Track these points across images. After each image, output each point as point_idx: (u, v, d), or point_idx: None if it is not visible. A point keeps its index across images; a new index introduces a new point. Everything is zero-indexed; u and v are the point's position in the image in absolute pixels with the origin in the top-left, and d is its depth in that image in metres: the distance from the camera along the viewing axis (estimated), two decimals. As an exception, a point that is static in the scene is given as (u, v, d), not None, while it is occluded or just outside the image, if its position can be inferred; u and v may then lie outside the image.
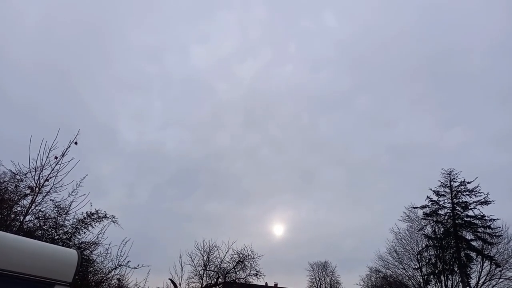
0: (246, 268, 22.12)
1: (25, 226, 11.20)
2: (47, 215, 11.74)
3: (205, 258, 22.91)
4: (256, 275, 22.06)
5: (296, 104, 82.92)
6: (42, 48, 61.49)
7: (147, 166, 64.24)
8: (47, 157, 11.14)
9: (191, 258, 22.61)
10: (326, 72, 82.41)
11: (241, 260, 22.09)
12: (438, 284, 31.12)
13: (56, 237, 11.58)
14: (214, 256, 22.89)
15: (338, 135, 79.38)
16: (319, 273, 58.13)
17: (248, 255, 22.15)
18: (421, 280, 32.37)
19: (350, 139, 78.73)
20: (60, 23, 65.26)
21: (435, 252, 31.61)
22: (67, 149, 11.32)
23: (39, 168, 11.09)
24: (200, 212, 55.98)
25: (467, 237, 30.57)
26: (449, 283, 30.65)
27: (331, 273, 57.57)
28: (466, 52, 72.56)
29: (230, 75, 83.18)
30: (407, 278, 34.09)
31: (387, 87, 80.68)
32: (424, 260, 32.27)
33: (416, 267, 32.94)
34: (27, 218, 11.31)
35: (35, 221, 11.70)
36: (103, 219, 12.63)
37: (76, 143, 11.43)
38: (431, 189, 32.23)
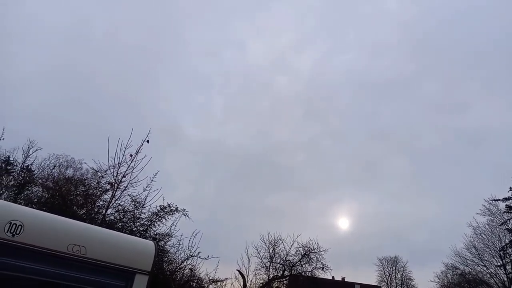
0: (312, 262, 21.96)
1: (107, 219, 12.22)
2: (125, 208, 12.69)
3: (270, 251, 23.19)
4: (322, 268, 21.83)
5: (357, 93, 79.87)
6: (110, 55, 66.08)
7: (211, 161, 66.28)
8: (123, 155, 12.09)
9: (257, 250, 23.00)
10: (388, 58, 78.15)
11: (307, 254, 21.97)
12: (526, 283, 28.36)
13: (134, 229, 12.48)
14: (280, 249, 23.05)
15: (402, 122, 74.94)
16: (389, 269, 55.93)
17: (314, 249, 21.96)
18: (505, 279, 29.69)
19: (416, 127, 73.90)
20: (124, 30, 69.54)
21: (521, 248, 28.82)
22: (140, 147, 12.18)
23: (117, 166, 12.07)
24: (264, 205, 56.56)
25: (559, 231, 27.45)
26: (539, 282, 27.78)
27: (402, 268, 55.09)
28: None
29: (288, 67, 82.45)
30: (488, 276, 31.47)
31: (455, 70, 74.34)
32: (508, 257, 29.57)
33: (498, 264, 30.29)
34: (108, 211, 12.35)
35: (115, 214, 12.70)
36: (175, 212, 13.32)
37: (148, 141, 12.23)
38: (514, 180, 29.36)
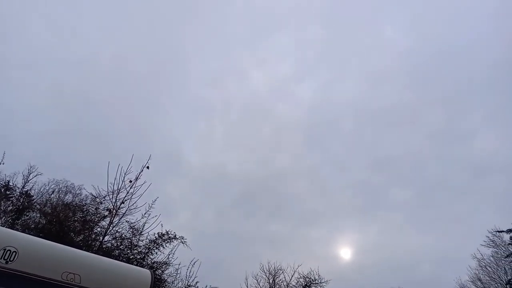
0: (313, 293, 21.42)
1: (104, 246, 12.03)
2: (123, 235, 12.51)
3: (270, 281, 22.62)
4: (324, 300, 21.24)
5: (359, 121, 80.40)
6: (115, 83, 67.34)
7: (211, 188, 65.99)
8: (122, 181, 12.03)
9: (257, 280, 22.40)
10: (389, 86, 79.04)
11: (308, 285, 21.46)
12: (533, 318, 27.44)
13: (131, 257, 12.25)
14: (280, 279, 22.49)
15: (405, 152, 74.77)
16: (392, 301, 54.34)
17: (315, 280, 21.48)
18: (512, 313, 28.79)
19: (419, 156, 73.76)
20: (129, 59, 71.17)
21: (528, 281, 28.08)
22: (140, 173, 12.14)
23: (116, 191, 11.99)
24: (263, 233, 55.69)
25: None
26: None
27: (405, 301, 53.51)
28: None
29: (289, 95, 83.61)
30: (495, 310, 30.55)
31: (460, 99, 75.02)
32: (514, 290, 28.80)
33: (505, 298, 29.47)
34: (106, 238, 12.16)
35: (113, 241, 12.51)
36: (173, 240, 13.13)
37: (148, 167, 12.20)
38: (518, 210, 29.04)
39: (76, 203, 16.41)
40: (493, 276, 30.58)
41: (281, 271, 22.52)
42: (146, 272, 6.03)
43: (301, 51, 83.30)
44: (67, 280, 4.86)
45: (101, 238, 12.04)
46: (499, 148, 62.79)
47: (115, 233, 12.35)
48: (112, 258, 9.56)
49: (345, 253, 59.89)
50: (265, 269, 22.83)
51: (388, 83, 78.42)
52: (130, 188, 12.05)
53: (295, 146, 78.85)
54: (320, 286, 21.29)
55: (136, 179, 12.08)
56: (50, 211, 13.85)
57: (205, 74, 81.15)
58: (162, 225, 12.64)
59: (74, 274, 4.95)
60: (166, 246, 12.99)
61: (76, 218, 12.98)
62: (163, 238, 12.88)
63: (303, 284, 21.56)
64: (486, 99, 70.46)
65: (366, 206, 71.89)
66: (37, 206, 14.39)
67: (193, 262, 13.20)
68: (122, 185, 12.02)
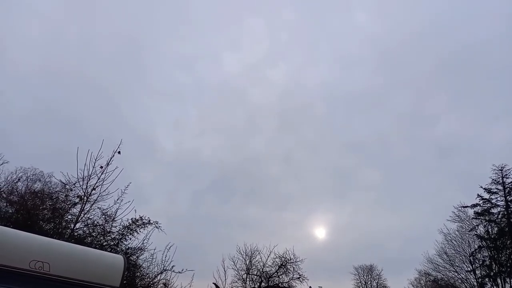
0: (289, 272, 22.02)
1: (75, 234, 11.75)
2: (95, 222, 12.25)
3: (247, 262, 23.02)
4: (299, 278, 21.88)
5: (330, 105, 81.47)
6: (82, 64, 64.83)
7: (186, 173, 65.59)
8: (93, 167, 11.66)
9: (234, 262, 22.78)
10: (359, 71, 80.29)
11: (284, 264, 21.99)
12: (495, 287, 29.27)
13: (104, 244, 12.05)
14: (256, 260, 22.95)
15: (375, 134, 76.80)
16: (365, 277, 56.45)
17: (290, 259, 22.04)
18: (475, 283, 30.59)
19: (388, 138, 75.97)
20: (98, 39, 68.57)
21: (490, 253, 29.80)
22: (111, 158, 11.79)
23: (87, 178, 11.62)
24: (240, 217, 56.28)
25: (524, 236, 28.65)
26: (507, 286, 28.72)
27: (377, 276, 55.72)
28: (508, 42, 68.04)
29: (262, 79, 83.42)
30: (459, 281, 32.34)
31: (425, 83, 77.29)
32: (477, 262, 30.52)
33: (469, 269, 31.21)
34: (77, 225, 11.86)
35: (85, 228, 12.24)
36: (147, 225, 13.00)
37: (119, 152, 11.87)
38: (481, 187, 30.51)
39: (45, 191, 15.86)
40: (458, 249, 32.26)
41: (257, 252, 22.97)
42: (119, 257, 5.95)
43: (274, 35, 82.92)
44: (35, 269, 4.72)
45: (72, 225, 11.74)
46: (461, 129, 65.60)
47: (87, 220, 12.08)
48: (85, 245, 9.37)
49: (320, 233, 61.51)
50: (241, 251, 23.20)
51: (358, 68, 79.57)
52: (101, 174, 11.73)
53: (269, 130, 79.30)
54: (296, 265, 21.89)
55: (107, 164, 11.75)
56: (17, 199, 13.35)
57: (177, 58, 79.52)
58: (135, 210, 12.47)
59: (42, 262, 4.80)
60: (140, 231, 12.88)
61: (45, 206, 12.58)
62: (137, 223, 12.73)
63: (279, 264, 22.07)
64: (450, 83, 73.03)
65: (339, 187, 73.79)
66: (3, 195, 13.83)
67: (168, 246, 13.16)
68: (93, 171, 11.68)
